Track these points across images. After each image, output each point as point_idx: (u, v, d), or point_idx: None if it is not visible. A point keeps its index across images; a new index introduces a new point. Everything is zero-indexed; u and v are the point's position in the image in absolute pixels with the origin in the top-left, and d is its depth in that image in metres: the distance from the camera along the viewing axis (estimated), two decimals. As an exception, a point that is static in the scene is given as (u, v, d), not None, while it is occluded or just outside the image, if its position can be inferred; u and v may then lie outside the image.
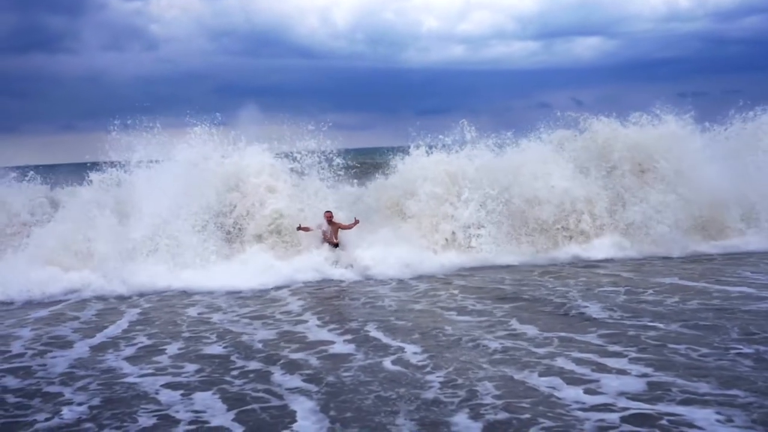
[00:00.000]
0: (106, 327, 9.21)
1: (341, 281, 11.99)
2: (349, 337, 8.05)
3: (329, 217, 13.21)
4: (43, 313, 10.33)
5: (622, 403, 5.50)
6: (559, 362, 6.64)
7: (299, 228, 13.27)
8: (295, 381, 6.47)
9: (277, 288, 11.48)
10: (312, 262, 12.45)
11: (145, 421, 5.61)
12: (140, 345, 8.16)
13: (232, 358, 7.41)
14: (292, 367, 6.94)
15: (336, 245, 12.96)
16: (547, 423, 5.13)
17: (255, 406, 5.86)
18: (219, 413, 5.73)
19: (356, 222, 13.32)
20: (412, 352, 7.28)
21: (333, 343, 7.84)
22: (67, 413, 5.87)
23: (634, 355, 6.80)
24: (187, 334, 8.58)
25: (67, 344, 8.35)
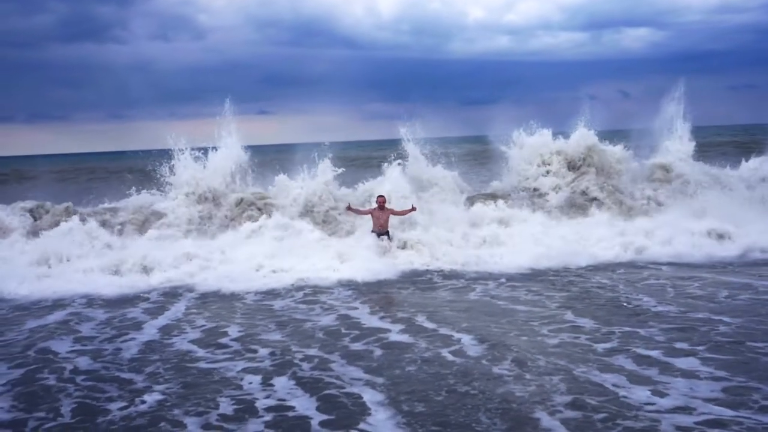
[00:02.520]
0: (167, 309, 9.50)
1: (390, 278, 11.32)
2: (403, 326, 8.14)
3: (382, 202, 13.08)
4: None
5: (701, 407, 5.45)
6: (620, 360, 6.64)
7: (348, 208, 13.32)
8: (358, 372, 6.55)
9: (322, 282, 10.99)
10: (360, 257, 11.86)
11: (226, 407, 5.78)
12: (204, 328, 8.38)
13: (293, 346, 7.51)
14: (354, 357, 7.04)
15: (386, 232, 12.84)
16: (628, 423, 5.18)
17: (329, 393, 5.98)
18: (301, 400, 5.88)
19: (413, 209, 13.25)
20: (469, 343, 7.35)
21: (389, 331, 7.94)
22: (145, 399, 6.09)
23: (706, 355, 6.75)
24: (242, 319, 8.76)
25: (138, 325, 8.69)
